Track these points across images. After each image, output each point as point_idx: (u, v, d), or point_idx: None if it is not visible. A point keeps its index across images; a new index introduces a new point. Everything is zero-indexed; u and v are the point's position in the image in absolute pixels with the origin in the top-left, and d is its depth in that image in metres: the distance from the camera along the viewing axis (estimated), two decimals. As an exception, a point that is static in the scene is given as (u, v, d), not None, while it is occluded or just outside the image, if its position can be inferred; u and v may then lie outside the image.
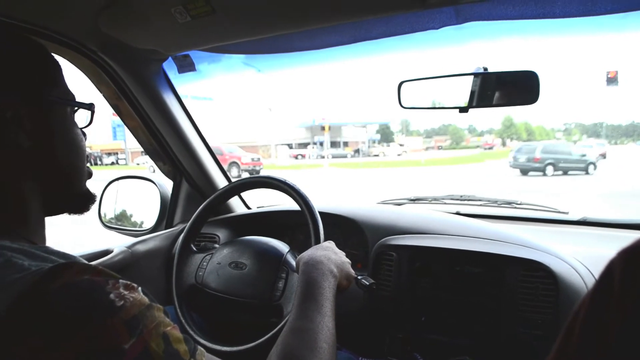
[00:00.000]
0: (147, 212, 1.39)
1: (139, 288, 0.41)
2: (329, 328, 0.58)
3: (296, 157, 30.98)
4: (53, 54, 0.53)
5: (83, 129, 0.56)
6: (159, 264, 1.24)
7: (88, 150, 0.57)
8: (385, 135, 55.97)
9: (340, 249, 0.80)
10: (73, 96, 0.53)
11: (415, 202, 1.49)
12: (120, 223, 1.41)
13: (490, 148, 44.46)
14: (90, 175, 0.56)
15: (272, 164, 24.30)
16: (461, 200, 1.43)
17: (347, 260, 0.77)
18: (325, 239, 0.86)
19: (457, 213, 1.31)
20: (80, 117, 0.55)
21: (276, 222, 1.29)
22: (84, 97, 0.55)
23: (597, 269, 0.84)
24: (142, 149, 1.38)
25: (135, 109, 1.17)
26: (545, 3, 0.79)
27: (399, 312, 0.98)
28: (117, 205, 1.41)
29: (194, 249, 1.05)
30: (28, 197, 0.48)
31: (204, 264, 1.00)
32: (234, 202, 1.42)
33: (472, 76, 0.93)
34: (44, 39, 0.90)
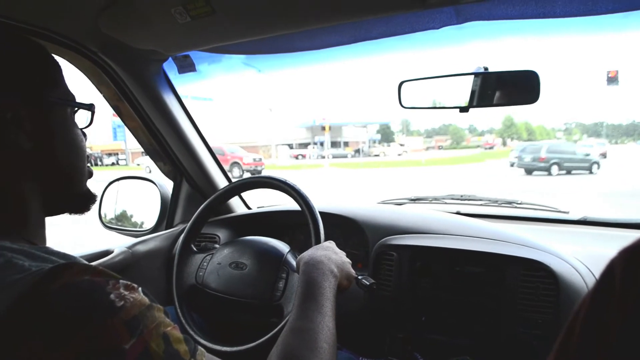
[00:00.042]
0: (147, 213, 1.39)
1: (139, 288, 0.41)
2: (330, 328, 0.58)
3: (296, 157, 30.99)
4: (53, 55, 0.53)
5: (83, 130, 0.56)
6: (159, 264, 1.25)
7: (88, 150, 0.57)
8: (386, 135, 55.98)
9: (340, 248, 0.80)
10: (73, 97, 0.53)
11: (416, 202, 1.49)
12: (120, 223, 1.41)
13: (491, 148, 44.47)
14: (90, 174, 0.56)
15: (272, 164, 24.31)
16: (461, 200, 1.43)
17: (348, 260, 0.77)
18: (326, 239, 0.86)
19: (458, 213, 1.31)
20: (81, 117, 0.56)
21: (276, 222, 1.29)
22: (84, 98, 0.55)
23: (598, 268, 0.84)
24: (142, 150, 1.38)
25: (135, 110, 1.17)
26: (545, 3, 0.78)
27: (399, 312, 0.98)
28: (118, 206, 1.41)
29: (195, 249, 1.05)
30: (28, 197, 0.48)
31: (205, 264, 1.00)
32: (235, 202, 1.42)
33: (472, 76, 0.93)
34: (44, 39, 0.90)
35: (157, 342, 0.38)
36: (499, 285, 0.89)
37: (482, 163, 21.57)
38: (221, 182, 1.38)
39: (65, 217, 0.56)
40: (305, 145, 36.77)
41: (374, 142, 47.24)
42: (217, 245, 1.13)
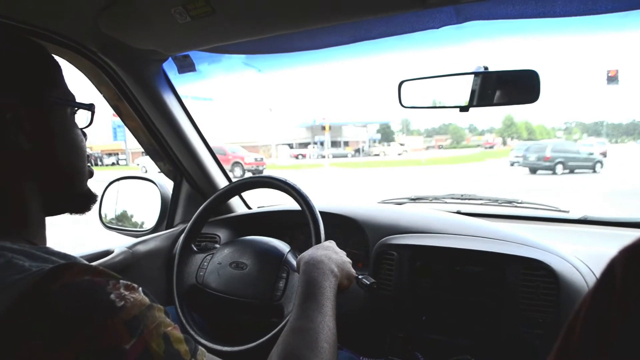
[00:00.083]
0: (147, 213, 1.39)
1: (140, 288, 0.41)
2: (330, 328, 0.58)
3: (297, 157, 31.00)
4: (53, 55, 0.53)
5: (83, 130, 0.56)
6: (159, 264, 1.25)
7: (88, 151, 0.57)
8: (386, 135, 55.99)
9: (341, 248, 0.80)
10: (73, 97, 0.53)
11: (416, 201, 1.49)
12: (120, 223, 1.41)
13: (491, 147, 44.49)
14: (91, 174, 0.56)
15: (272, 164, 24.31)
16: (462, 199, 1.43)
17: (348, 259, 0.77)
18: (326, 239, 0.86)
19: (458, 212, 1.31)
20: (81, 117, 0.55)
21: (277, 222, 1.29)
22: (84, 98, 0.55)
23: (598, 267, 0.84)
24: (142, 150, 1.38)
25: (135, 110, 1.17)
26: (545, 2, 0.78)
27: (399, 311, 0.98)
28: (118, 206, 1.41)
29: (195, 249, 1.05)
30: (28, 197, 0.48)
31: (205, 264, 1.00)
32: (235, 202, 1.42)
33: (472, 75, 0.93)
34: (44, 40, 0.90)
35: (158, 342, 0.38)
36: (499, 284, 0.89)
37: (482, 162, 21.57)
38: (221, 182, 1.38)
39: (65, 217, 0.56)
40: (305, 145, 36.79)
41: (374, 141, 47.27)
42: (217, 245, 1.13)
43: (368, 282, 0.82)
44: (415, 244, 0.99)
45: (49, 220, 0.52)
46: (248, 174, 14.64)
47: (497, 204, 1.38)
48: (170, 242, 1.28)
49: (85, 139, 0.55)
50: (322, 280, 0.66)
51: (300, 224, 1.24)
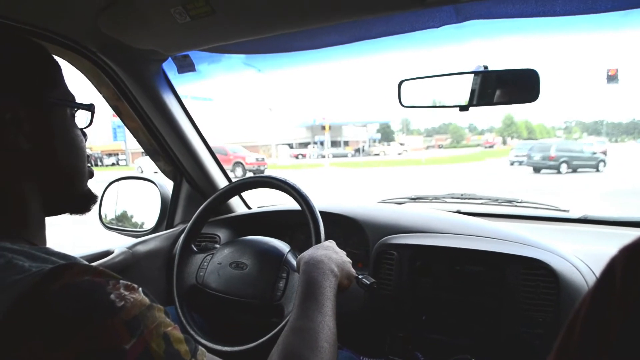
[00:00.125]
0: (147, 213, 1.39)
1: (140, 288, 0.41)
2: (330, 327, 0.58)
3: (297, 157, 31.00)
4: (53, 55, 0.53)
5: (83, 130, 0.56)
6: (159, 264, 1.25)
7: (88, 151, 0.57)
8: (386, 135, 55.97)
9: (341, 248, 0.80)
10: (73, 97, 0.53)
11: (416, 201, 1.49)
12: (120, 224, 1.41)
13: (491, 147, 44.45)
14: (91, 174, 0.56)
15: (273, 164, 24.31)
16: (462, 198, 1.42)
17: (348, 259, 0.77)
18: (326, 239, 0.86)
19: (458, 212, 1.31)
20: (81, 117, 0.55)
21: (277, 221, 1.29)
22: (84, 98, 0.55)
23: (598, 266, 0.83)
24: (142, 150, 1.38)
25: (135, 110, 1.17)
26: (545, 1, 0.78)
27: (400, 311, 0.98)
28: (118, 206, 1.41)
29: (195, 249, 1.05)
30: (28, 197, 0.48)
31: (205, 264, 1.00)
32: (235, 202, 1.42)
33: (472, 74, 0.93)
34: (44, 40, 0.90)
35: (158, 342, 0.38)
36: (499, 284, 0.89)
37: (482, 162, 21.57)
38: (221, 182, 1.38)
39: (65, 217, 0.56)
40: (305, 145, 36.78)
41: (374, 141, 47.26)
42: (217, 245, 1.13)
43: (368, 282, 0.82)
44: (415, 243, 0.99)
45: (49, 221, 0.52)
46: (249, 174, 14.64)
47: (497, 203, 1.38)
48: (170, 243, 1.28)
49: (85, 139, 0.55)
50: (322, 280, 0.66)
51: (300, 223, 1.24)
